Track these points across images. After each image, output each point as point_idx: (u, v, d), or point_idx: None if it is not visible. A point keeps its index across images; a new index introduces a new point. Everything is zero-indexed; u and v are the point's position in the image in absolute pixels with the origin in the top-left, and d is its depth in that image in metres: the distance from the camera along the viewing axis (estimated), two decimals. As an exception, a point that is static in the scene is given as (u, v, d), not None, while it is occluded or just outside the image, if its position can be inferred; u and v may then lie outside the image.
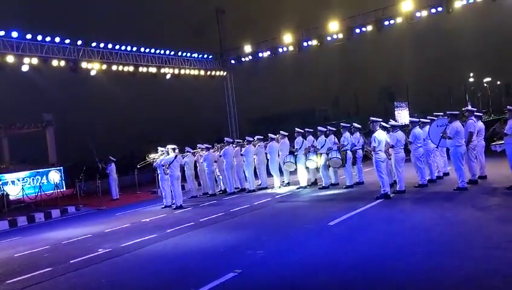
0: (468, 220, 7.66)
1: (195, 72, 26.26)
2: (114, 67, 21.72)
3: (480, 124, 11.56)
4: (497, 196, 9.52)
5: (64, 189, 20.38)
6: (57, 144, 25.67)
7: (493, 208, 8.43)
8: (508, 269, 4.99)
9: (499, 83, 66.65)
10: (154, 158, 14.50)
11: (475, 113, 11.60)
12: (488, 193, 9.92)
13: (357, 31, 22.45)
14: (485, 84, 59.70)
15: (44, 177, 20.40)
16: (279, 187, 14.71)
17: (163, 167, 13.45)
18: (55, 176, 20.82)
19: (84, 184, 19.00)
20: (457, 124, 10.59)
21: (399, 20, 21.37)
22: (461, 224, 7.43)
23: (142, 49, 22.78)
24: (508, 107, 10.28)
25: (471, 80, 57.53)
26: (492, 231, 6.70)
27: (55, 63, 19.61)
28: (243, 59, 26.72)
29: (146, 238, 8.90)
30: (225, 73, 28.19)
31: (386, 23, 21.77)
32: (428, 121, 12.11)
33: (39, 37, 18.92)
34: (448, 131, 10.49)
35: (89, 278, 6.71)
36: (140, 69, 22.88)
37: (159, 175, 13.96)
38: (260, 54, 25.70)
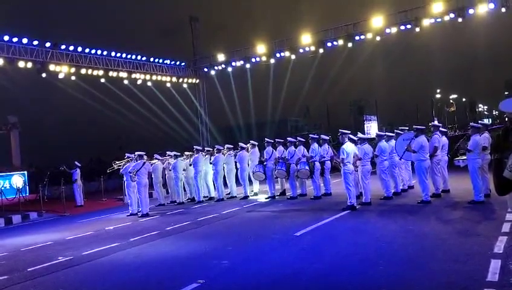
0: (431, 233, 7.81)
1: (167, 78, 26.04)
2: (83, 71, 21.29)
3: (445, 139, 11.88)
4: (459, 209, 9.77)
5: (27, 194, 19.71)
6: (21, 148, 24.91)
7: (455, 221, 8.65)
8: (466, 282, 5.10)
9: (464, 100, 68.96)
10: (120, 165, 14.24)
11: (440, 129, 11.94)
12: (451, 207, 10.17)
13: (329, 44, 22.81)
14: (451, 101, 61.57)
15: (7, 182, 19.71)
16: (248, 197, 14.68)
17: (131, 174, 13.21)
18: (18, 180, 20.09)
19: (48, 189, 18.43)
20: (422, 138, 10.86)
21: (369, 35, 21.83)
22: (424, 237, 7.58)
23: (113, 54, 22.41)
24: (471, 124, 10.63)
25: (438, 96, 59.27)
26: (452, 244, 6.85)
27: (21, 64, 19.10)
28: (216, 67, 26.71)
29: (108, 246, 8.69)
30: (197, 81, 28.09)
31: (357, 38, 22.19)
32: (394, 135, 12.40)
33: (6, 37, 18.41)
34: (413, 145, 10.73)
35: (46, 286, 6.48)
36: (111, 73, 22.50)
37: (126, 182, 13.71)
38: (233, 63, 25.74)
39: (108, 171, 16.00)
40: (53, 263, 7.69)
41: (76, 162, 17.54)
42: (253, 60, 25.02)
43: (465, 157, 10.66)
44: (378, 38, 21.82)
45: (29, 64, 19.35)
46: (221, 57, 26.01)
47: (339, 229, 8.85)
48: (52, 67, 20.14)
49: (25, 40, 18.95)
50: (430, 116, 48.26)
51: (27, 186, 20.36)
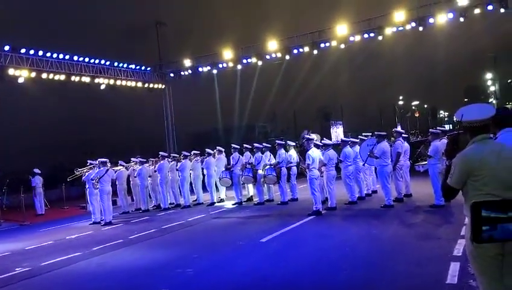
0: (393, 237, 7.98)
1: (132, 83, 25.53)
2: (44, 76, 20.64)
3: (406, 145, 12.18)
4: (420, 213, 10.02)
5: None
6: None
7: (416, 225, 8.86)
8: (426, 285, 5.22)
9: (426, 106, 71.01)
10: (82, 172, 13.90)
11: (402, 135, 12.23)
12: (412, 211, 10.42)
13: (295, 51, 23.02)
14: (414, 107, 63.33)
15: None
16: (215, 203, 14.59)
17: (93, 181, 12.89)
18: (-26, 188, 19.27)
19: (6, 198, 17.76)
20: (384, 144, 11.11)
21: (334, 43, 22.18)
22: (387, 241, 7.72)
23: (75, 58, 21.80)
24: (431, 130, 10.94)
25: (401, 102, 60.82)
26: (414, 248, 7.01)
27: (-22, 68, 18.37)
28: (182, 73, 26.47)
29: (69, 256, 8.43)
30: (164, 86, 27.75)
31: (322, 45, 22.51)
32: (358, 140, 12.64)
33: (-39, 40, 17.69)
34: (376, 151, 10.96)
35: (2, 300, 6.24)
36: (73, 78, 21.81)
37: (88, 189, 13.37)
38: (200, 69, 25.58)
39: (69, 179, 15.55)
40: (10, 275, 7.41)
41: (35, 170, 17.00)
42: (220, 65, 24.97)
43: (425, 163, 10.94)
44: (342, 45, 22.21)
45: (-13, 68, 18.61)
46: (187, 63, 25.81)
47: (304, 235, 8.91)
48: (11, 71, 19.41)
49: (-19, 43, 18.26)
50: (393, 122, 49.44)
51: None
